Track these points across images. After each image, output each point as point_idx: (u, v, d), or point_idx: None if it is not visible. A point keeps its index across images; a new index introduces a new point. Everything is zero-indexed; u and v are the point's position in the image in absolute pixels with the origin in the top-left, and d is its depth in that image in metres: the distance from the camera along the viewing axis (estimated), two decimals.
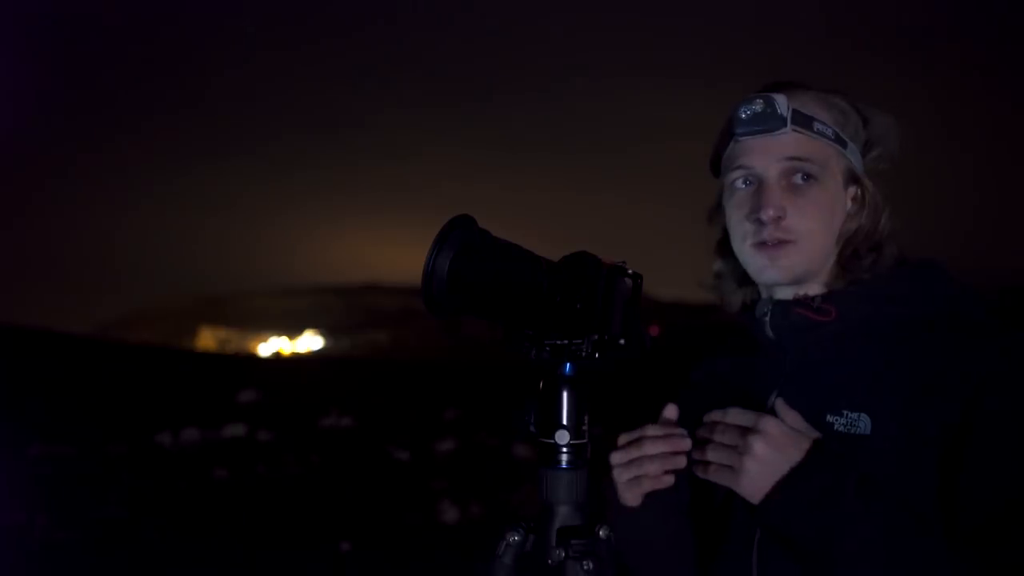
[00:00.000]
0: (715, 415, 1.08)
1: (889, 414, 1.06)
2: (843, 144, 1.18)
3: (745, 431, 1.04)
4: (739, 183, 1.19)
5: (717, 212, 1.28)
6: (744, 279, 1.27)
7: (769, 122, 1.14)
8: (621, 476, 1.15)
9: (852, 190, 1.19)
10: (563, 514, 0.96)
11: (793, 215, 1.14)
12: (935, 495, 1.02)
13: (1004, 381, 1.02)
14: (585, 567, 0.92)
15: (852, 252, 1.18)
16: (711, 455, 1.07)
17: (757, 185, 1.17)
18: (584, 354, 0.96)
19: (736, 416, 1.06)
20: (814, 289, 1.19)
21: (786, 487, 1.01)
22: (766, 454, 1.02)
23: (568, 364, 0.97)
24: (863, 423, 1.07)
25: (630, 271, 1.00)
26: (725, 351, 1.36)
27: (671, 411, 1.16)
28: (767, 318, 1.20)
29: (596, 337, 0.95)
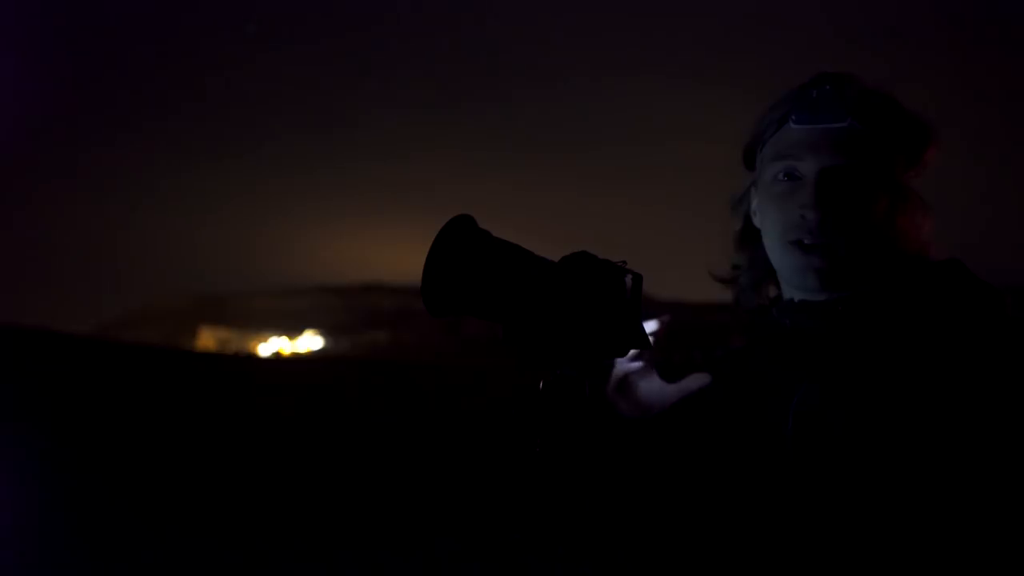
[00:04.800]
0: None
1: (912, 416, 1.05)
2: (894, 144, 1.12)
3: None
4: (782, 175, 1.13)
5: (741, 202, 1.24)
6: (765, 276, 1.24)
7: (833, 111, 1.09)
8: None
9: (898, 193, 1.14)
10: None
11: (838, 218, 1.09)
12: (957, 487, 1.01)
13: (1007, 379, 1.02)
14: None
15: (890, 256, 1.14)
16: None
17: (804, 180, 1.11)
18: (585, 355, 0.96)
19: None
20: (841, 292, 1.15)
21: None
22: None
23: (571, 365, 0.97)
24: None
25: (630, 271, 1.00)
26: (736, 349, 1.30)
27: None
28: (787, 320, 1.17)
29: (596, 338, 0.95)
